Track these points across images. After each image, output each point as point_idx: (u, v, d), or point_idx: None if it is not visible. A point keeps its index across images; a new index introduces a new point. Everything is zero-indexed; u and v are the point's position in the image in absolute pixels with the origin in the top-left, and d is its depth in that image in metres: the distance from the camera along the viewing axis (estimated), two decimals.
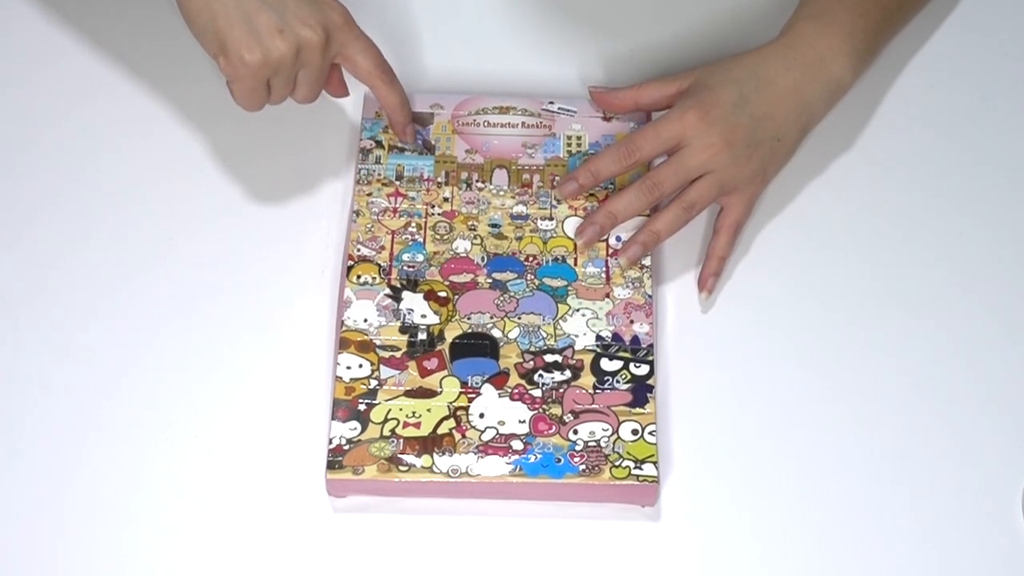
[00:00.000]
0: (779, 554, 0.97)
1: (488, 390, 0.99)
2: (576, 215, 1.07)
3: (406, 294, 1.03)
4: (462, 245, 1.05)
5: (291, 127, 1.08)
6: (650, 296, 1.03)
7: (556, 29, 1.19)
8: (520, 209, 1.07)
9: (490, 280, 1.04)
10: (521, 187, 1.08)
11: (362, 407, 0.98)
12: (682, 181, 1.04)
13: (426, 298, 1.03)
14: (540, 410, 0.98)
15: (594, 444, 0.97)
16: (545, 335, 1.01)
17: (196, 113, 1.12)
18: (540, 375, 1.00)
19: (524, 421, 0.98)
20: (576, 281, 1.04)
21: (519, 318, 1.02)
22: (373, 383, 0.99)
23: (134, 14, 1.18)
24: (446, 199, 1.08)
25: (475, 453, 0.96)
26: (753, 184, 1.06)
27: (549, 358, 1.00)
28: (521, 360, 1.00)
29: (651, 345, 1.01)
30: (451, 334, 1.01)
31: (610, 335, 1.01)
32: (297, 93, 1.02)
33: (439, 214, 1.07)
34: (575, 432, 0.97)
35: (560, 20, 1.19)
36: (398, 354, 1.00)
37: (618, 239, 1.06)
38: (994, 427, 1.01)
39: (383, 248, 1.05)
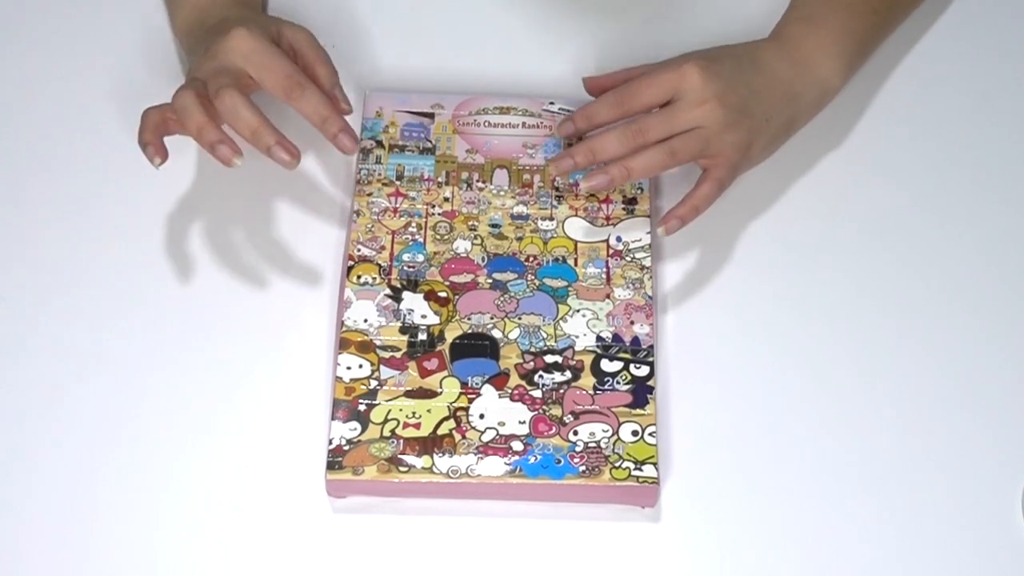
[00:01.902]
0: (779, 555, 0.97)
1: (488, 391, 0.99)
2: (577, 215, 1.07)
3: (406, 294, 1.03)
4: (462, 245, 1.05)
5: (292, 126, 1.07)
6: (651, 297, 1.03)
7: (557, 29, 1.19)
8: (520, 209, 1.07)
9: (490, 280, 1.04)
10: (522, 187, 1.08)
11: (362, 407, 0.98)
12: (668, 132, 1.02)
13: (426, 298, 1.03)
14: (540, 411, 0.98)
15: (594, 445, 0.97)
16: (545, 336, 1.01)
17: None
18: (540, 376, 1.00)
19: (524, 422, 0.98)
20: (576, 282, 1.04)
21: (519, 318, 1.02)
22: (373, 383, 0.99)
23: (136, 14, 1.18)
24: (446, 199, 1.08)
25: (475, 454, 0.96)
26: (738, 152, 1.04)
27: (549, 359, 1.00)
28: (521, 361, 1.00)
29: (651, 346, 1.01)
30: (451, 334, 1.01)
31: (610, 336, 1.01)
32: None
33: (439, 214, 1.07)
34: (575, 433, 0.97)
35: (561, 20, 1.19)
36: (398, 354, 1.00)
37: (618, 239, 1.06)
38: (994, 427, 1.01)
39: (383, 248, 1.05)
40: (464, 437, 0.97)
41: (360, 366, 1.00)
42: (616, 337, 1.01)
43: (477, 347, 1.01)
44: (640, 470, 0.96)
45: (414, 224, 1.06)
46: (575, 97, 1.12)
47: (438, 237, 1.06)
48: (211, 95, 0.99)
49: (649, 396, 0.99)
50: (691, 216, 1.03)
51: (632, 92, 1.04)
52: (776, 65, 1.06)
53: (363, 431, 0.97)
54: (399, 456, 0.96)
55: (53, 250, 1.07)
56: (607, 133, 1.03)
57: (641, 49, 1.17)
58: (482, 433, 0.97)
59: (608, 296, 1.03)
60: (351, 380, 0.99)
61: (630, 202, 1.08)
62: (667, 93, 1.03)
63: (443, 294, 1.03)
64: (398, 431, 0.97)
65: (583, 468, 0.96)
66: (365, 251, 1.05)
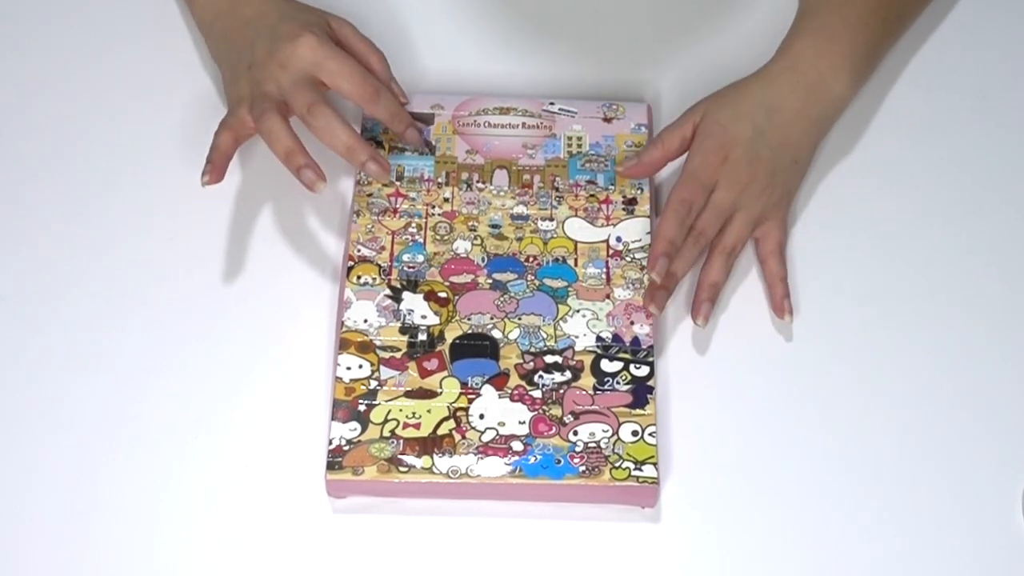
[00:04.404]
0: (779, 555, 0.97)
1: (488, 391, 0.99)
2: (576, 216, 1.07)
3: (406, 295, 1.03)
4: (462, 245, 1.05)
5: (292, 126, 1.08)
6: None
7: (557, 29, 1.19)
8: (520, 210, 1.07)
9: (490, 281, 1.04)
10: (521, 188, 1.08)
11: (362, 408, 0.98)
12: (720, 222, 1.04)
13: (426, 299, 1.03)
14: (540, 411, 0.98)
15: (594, 445, 0.97)
16: (545, 336, 1.01)
17: (197, 113, 1.12)
18: (540, 376, 1.00)
19: (524, 422, 0.98)
20: (576, 282, 1.04)
21: (519, 319, 1.02)
22: (373, 384, 0.99)
23: (137, 14, 1.18)
24: (446, 199, 1.08)
25: (475, 454, 0.96)
26: (781, 208, 1.07)
27: (549, 359, 1.00)
28: (521, 361, 1.00)
29: (651, 346, 1.01)
30: (451, 335, 1.01)
31: (610, 336, 1.01)
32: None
33: (439, 214, 1.07)
34: (575, 433, 0.97)
35: (561, 21, 1.19)
36: (398, 355, 1.00)
37: (618, 240, 1.06)
38: (994, 427, 1.01)
39: (383, 248, 1.05)
40: (464, 437, 0.97)
41: (360, 366, 1.00)
42: (616, 337, 1.01)
43: (477, 347, 1.01)
44: (640, 470, 0.96)
45: (414, 224, 1.06)
46: (575, 97, 1.13)
47: (438, 237, 1.06)
48: (300, 111, 1.03)
49: (649, 396, 0.99)
50: (787, 288, 1.05)
51: (687, 199, 1.03)
52: (790, 99, 1.07)
53: (363, 431, 0.97)
54: (399, 456, 0.96)
55: (53, 250, 1.07)
56: (679, 255, 1.03)
57: (641, 49, 1.18)
58: (482, 433, 0.97)
59: (608, 296, 1.03)
60: (351, 380, 0.99)
61: (630, 202, 1.08)
62: (711, 184, 1.04)
63: (443, 294, 1.03)
64: (398, 431, 0.97)
65: (583, 468, 0.96)
66: (365, 251, 1.05)
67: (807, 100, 1.07)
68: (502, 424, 0.98)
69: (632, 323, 1.02)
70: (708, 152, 1.05)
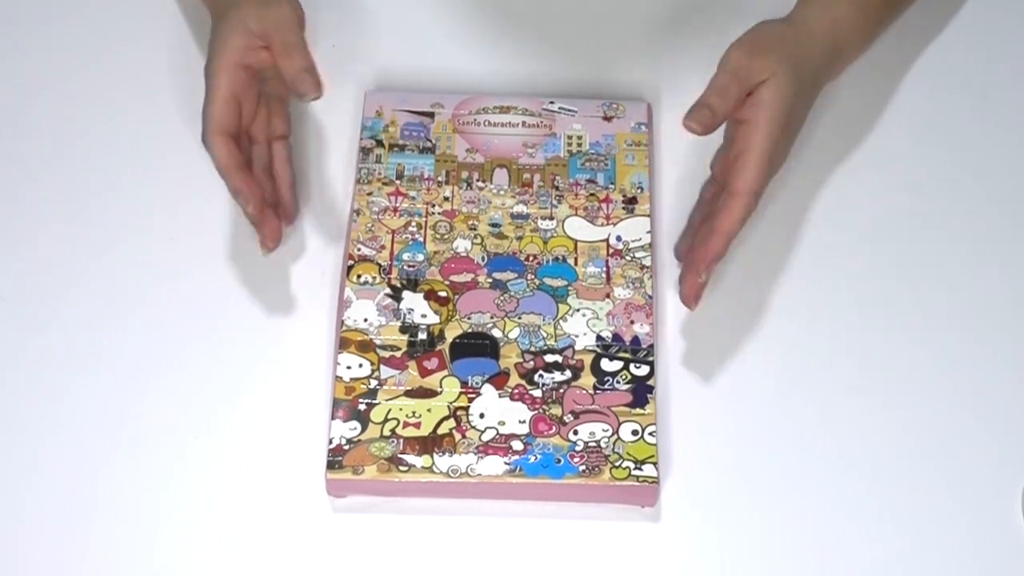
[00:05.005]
0: (779, 555, 0.97)
1: (488, 390, 0.99)
2: (576, 215, 1.07)
3: (406, 294, 1.03)
4: (462, 245, 1.05)
5: (292, 125, 1.08)
6: (651, 297, 1.03)
7: (557, 30, 1.19)
8: (520, 209, 1.07)
9: (490, 280, 1.04)
10: (522, 187, 1.08)
11: (362, 407, 0.98)
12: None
13: (426, 298, 1.03)
14: (540, 410, 0.98)
15: (594, 444, 0.97)
16: (545, 335, 1.01)
17: (197, 113, 1.12)
18: (540, 375, 1.00)
19: (524, 421, 0.98)
20: (576, 281, 1.04)
21: (519, 318, 1.02)
22: (373, 383, 0.99)
23: (137, 14, 1.18)
24: (446, 198, 1.08)
25: (475, 453, 0.96)
26: (778, 165, 1.02)
27: (549, 358, 1.00)
28: (521, 360, 1.00)
29: (651, 346, 1.01)
30: (451, 334, 1.01)
31: (610, 335, 1.01)
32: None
33: (439, 213, 1.07)
34: (575, 432, 0.97)
35: (561, 21, 1.19)
36: (398, 354, 1.00)
37: (618, 239, 1.06)
38: (994, 427, 1.01)
39: (383, 247, 1.05)
40: (464, 436, 0.97)
41: (360, 365, 1.00)
42: (616, 336, 1.01)
43: (477, 346, 1.01)
44: (640, 470, 0.96)
45: (414, 223, 1.06)
46: (575, 96, 1.13)
47: (438, 236, 1.06)
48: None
49: (649, 396, 0.99)
50: (726, 249, 1.00)
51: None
52: (814, 54, 1.04)
53: (363, 430, 0.97)
54: (399, 455, 0.96)
55: (53, 250, 1.07)
56: (727, 214, 1.00)
57: (641, 49, 1.18)
58: (482, 432, 0.97)
59: (608, 295, 1.03)
60: (351, 379, 0.99)
61: (630, 201, 1.08)
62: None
63: (443, 293, 1.03)
64: (398, 430, 0.97)
65: (583, 467, 0.96)
66: (365, 250, 1.05)
67: (827, 57, 1.04)
68: (502, 423, 0.98)
69: (632, 322, 1.02)
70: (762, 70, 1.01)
